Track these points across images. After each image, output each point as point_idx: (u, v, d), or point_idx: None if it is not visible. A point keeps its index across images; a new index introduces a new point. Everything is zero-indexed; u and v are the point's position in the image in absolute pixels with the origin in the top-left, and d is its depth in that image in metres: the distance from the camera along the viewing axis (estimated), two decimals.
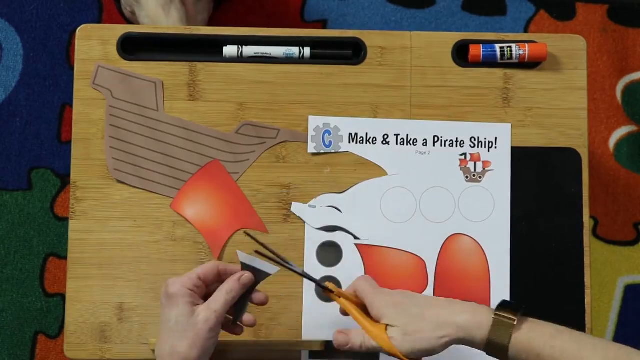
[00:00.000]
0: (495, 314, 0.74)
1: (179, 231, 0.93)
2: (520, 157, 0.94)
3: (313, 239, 0.92)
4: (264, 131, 0.94)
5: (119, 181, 0.93)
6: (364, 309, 0.79)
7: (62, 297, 1.37)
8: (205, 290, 0.79)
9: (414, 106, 0.95)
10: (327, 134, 0.93)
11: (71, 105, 0.94)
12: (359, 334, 0.77)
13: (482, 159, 0.93)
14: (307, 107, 0.94)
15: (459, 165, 0.93)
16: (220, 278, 0.79)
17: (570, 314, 0.92)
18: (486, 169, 0.93)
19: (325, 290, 0.80)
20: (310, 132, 0.93)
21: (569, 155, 0.94)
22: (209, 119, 0.94)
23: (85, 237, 0.92)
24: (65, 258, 0.95)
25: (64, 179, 1.40)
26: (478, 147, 0.93)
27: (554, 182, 0.94)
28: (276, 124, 0.94)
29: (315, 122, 0.93)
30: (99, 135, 0.93)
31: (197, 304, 0.77)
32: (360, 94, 0.95)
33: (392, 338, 0.75)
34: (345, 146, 0.93)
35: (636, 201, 1.44)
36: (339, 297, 0.79)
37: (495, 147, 0.93)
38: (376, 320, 0.77)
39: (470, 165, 0.93)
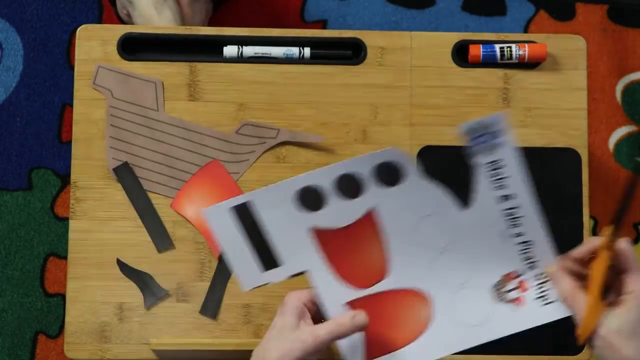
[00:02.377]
0: None
1: (179, 231, 0.93)
2: (520, 157, 0.94)
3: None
4: (264, 131, 0.94)
5: (119, 181, 0.93)
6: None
7: (62, 297, 1.37)
8: (316, 310, 0.78)
9: (414, 106, 0.95)
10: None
11: (71, 105, 0.94)
12: (582, 302, 0.72)
13: None
14: (307, 107, 0.95)
15: None
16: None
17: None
18: None
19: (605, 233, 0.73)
20: None
21: (569, 155, 0.94)
22: (209, 119, 0.94)
23: (85, 237, 0.92)
24: (66, 258, 0.95)
25: (64, 179, 1.40)
26: None
27: (554, 182, 0.94)
28: (276, 124, 0.94)
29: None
30: (99, 135, 0.93)
31: (306, 322, 0.76)
32: (360, 94, 0.95)
33: (606, 323, 0.70)
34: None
35: (636, 201, 1.44)
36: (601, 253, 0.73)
37: None
38: (616, 293, 0.71)
39: None
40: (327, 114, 0.94)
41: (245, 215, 0.78)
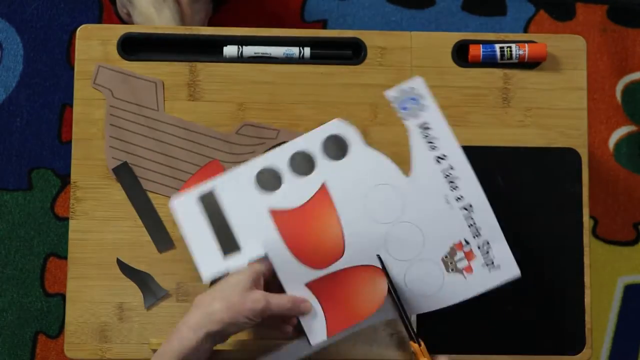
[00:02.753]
0: None
1: (179, 231, 0.93)
2: (520, 157, 0.94)
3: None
4: (264, 132, 0.94)
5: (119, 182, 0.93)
6: None
7: (62, 297, 1.37)
8: (263, 285, 0.80)
9: None
10: None
11: (71, 105, 0.94)
12: None
13: None
14: (307, 107, 0.95)
15: None
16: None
17: (570, 314, 0.92)
18: None
19: (415, 345, 0.81)
20: None
21: (568, 155, 0.94)
22: (209, 119, 0.94)
23: (85, 237, 0.92)
24: (66, 258, 0.95)
25: (64, 179, 1.40)
26: None
27: (554, 182, 0.94)
28: (276, 124, 0.94)
29: None
30: (99, 135, 0.93)
31: (258, 289, 0.78)
32: (360, 94, 0.95)
33: None
34: None
35: (636, 201, 1.44)
36: (423, 358, 0.81)
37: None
38: None
39: None
40: (327, 114, 0.94)
41: (210, 203, 0.81)
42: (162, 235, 0.93)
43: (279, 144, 0.82)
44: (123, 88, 0.94)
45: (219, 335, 0.77)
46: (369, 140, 0.94)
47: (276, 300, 0.78)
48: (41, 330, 1.38)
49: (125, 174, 0.93)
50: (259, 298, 0.77)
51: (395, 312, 0.82)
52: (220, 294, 0.77)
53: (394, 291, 0.81)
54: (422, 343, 0.81)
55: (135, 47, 0.95)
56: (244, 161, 0.93)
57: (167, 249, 0.92)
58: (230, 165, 0.93)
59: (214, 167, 0.93)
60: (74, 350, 0.91)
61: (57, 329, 1.38)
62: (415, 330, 0.82)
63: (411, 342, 0.81)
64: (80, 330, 0.91)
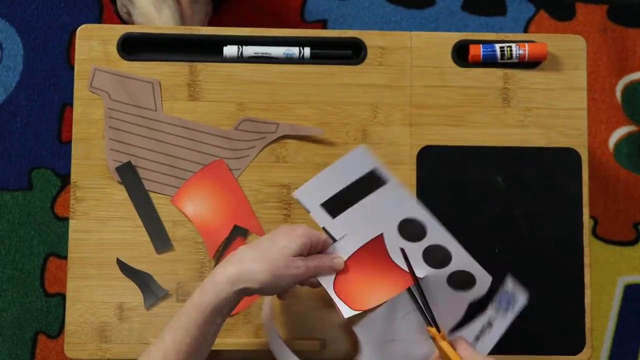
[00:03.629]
0: None
1: (179, 231, 0.93)
2: (520, 157, 0.94)
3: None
4: (263, 126, 0.94)
5: (119, 182, 0.93)
6: None
7: (62, 296, 1.37)
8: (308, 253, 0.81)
9: (413, 106, 0.95)
10: None
11: (71, 105, 0.94)
12: None
13: None
14: (307, 107, 0.95)
15: None
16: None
17: (570, 314, 0.92)
18: None
19: (433, 329, 0.80)
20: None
21: (568, 155, 0.94)
22: (209, 119, 0.94)
23: (85, 237, 0.92)
24: (66, 258, 0.95)
25: (64, 179, 1.40)
26: None
27: (554, 182, 0.94)
28: None
29: None
30: (99, 135, 0.93)
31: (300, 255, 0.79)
32: (360, 94, 0.95)
33: None
34: None
35: (636, 201, 1.44)
36: (443, 342, 0.80)
37: None
38: None
39: None
40: (327, 114, 0.94)
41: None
42: (161, 236, 0.93)
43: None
44: (120, 90, 0.94)
45: (253, 292, 0.77)
46: (369, 140, 0.94)
47: (313, 263, 0.79)
48: (41, 330, 1.38)
49: (128, 174, 0.93)
50: (300, 264, 0.77)
51: (412, 298, 0.83)
52: (264, 254, 0.77)
53: (413, 275, 0.82)
54: (442, 328, 0.81)
55: (135, 47, 0.95)
56: (245, 157, 0.93)
57: (165, 251, 0.92)
58: (231, 161, 0.93)
59: (217, 166, 0.93)
60: (74, 350, 0.91)
61: (57, 329, 1.38)
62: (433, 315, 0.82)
63: (428, 328, 0.81)
64: (80, 330, 0.91)
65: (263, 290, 0.76)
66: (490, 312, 0.85)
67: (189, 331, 0.74)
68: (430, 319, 0.81)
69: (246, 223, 0.93)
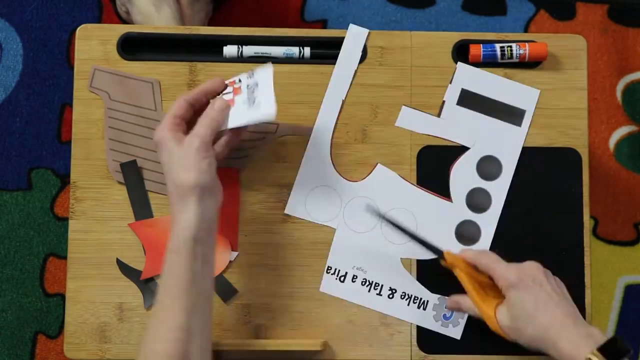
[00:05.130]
0: (593, 355, 0.76)
1: None
2: (521, 157, 0.94)
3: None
4: (263, 126, 0.94)
5: (119, 182, 0.93)
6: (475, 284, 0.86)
7: (62, 297, 1.37)
8: (185, 126, 0.83)
9: (414, 106, 0.95)
10: None
11: (71, 105, 0.94)
12: (470, 303, 0.85)
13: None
14: (307, 107, 0.94)
15: None
16: (195, 109, 0.84)
17: None
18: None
19: (441, 257, 0.83)
20: None
21: (569, 155, 0.94)
22: None
23: (85, 237, 0.92)
24: (65, 258, 0.95)
25: (64, 179, 1.40)
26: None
27: (554, 182, 0.94)
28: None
29: None
30: (99, 135, 0.93)
31: (184, 135, 0.81)
32: (360, 94, 0.95)
33: (499, 321, 0.83)
34: None
35: (636, 201, 1.44)
36: (455, 268, 0.85)
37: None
38: (496, 292, 0.84)
39: None
40: None
41: None
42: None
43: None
44: (120, 90, 0.94)
45: (207, 196, 0.79)
46: (369, 140, 0.94)
47: (198, 128, 0.81)
48: (41, 330, 1.38)
49: (131, 172, 0.92)
50: (190, 139, 0.80)
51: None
52: (172, 170, 0.79)
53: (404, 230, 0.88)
54: (449, 252, 0.87)
55: (135, 47, 0.95)
56: (245, 157, 0.93)
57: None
58: (232, 161, 0.93)
59: (230, 174, 0.92)
60: (74, 351, 0.91)
61: (56, 329, 1.38)
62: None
63: (442, 261, 0.87)
64: (79, 330, 0.91)
65: (209, 184, 0.79)
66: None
67: (178, 276, 0.76)
68: (434, 250, 0.87)
69: (227, 235, 0.92)
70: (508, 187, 0.93)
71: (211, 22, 1.31)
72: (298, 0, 1.47)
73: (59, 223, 1.39)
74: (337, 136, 0.94)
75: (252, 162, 0.94)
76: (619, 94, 1.46)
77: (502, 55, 0.94)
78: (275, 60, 0.95)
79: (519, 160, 0.94)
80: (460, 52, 0.96)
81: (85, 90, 0.94)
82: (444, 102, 0.93)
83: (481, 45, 0.95)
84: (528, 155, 0.94)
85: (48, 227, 1.39)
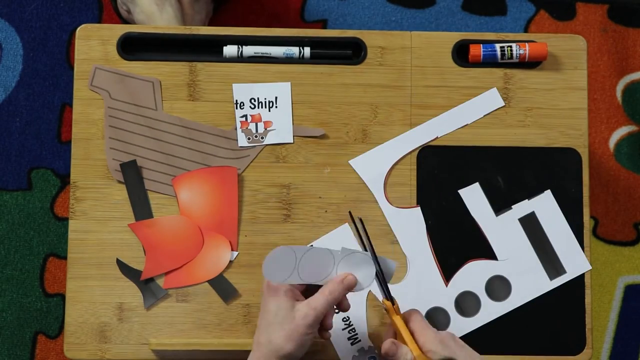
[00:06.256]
0: None
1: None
2: (521, 157, 0.94)
3: None
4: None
5: (119, 181, 0.93)
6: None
7: (62, 297, 1.37)
8: (305, 286, 0.80)
9: (414, 106, 0.95)
10: None
11: (71, 105, 0.94)
12: (408, 352, 0.77)
13: (262, 120, 0.93)
14: (307, 107, 0.94)
15: (241, 128, 0.93)
16: None
17: (570, 314, 0.92)
18: (267, 129, 0.93)
19: (388, 302, 0.80)
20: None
21: (569, 155, 0.94)
22: (208, 119, 0.94)
23: (85, 237, 0.92)
24: (65, 258, 0.95)
25: (64, 179, 1.40)
26: (258, 107, 0.93)
27: (554, 182, 0.94)
28: None
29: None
30: (99, 135, 0.93)
31: (298, 300, 0.78)
32: (360, 94, 0.95)
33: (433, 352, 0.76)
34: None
35: (636, 201, 1.44)
36: (395, 315, 0.80)
37: (276, 107, 0.92)
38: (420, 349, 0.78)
39: (252, 126, 0.93)
40: (327, 114, 0.94)
41: None
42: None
43: None
44: (120, 89, 0.94)
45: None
46: (369, 140, 0.94)
47: (320, 302, 0.77)
48: (41, 330, 1.38)
49: (131, 172, 0.93)
50: (306, 311, 0.77)
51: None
52: (274, 327, 0.77)
53: (371, 249, 0.81)
54: (396, 301, 0.80)
55: (135, 47, 0.95)
56: (245, 157, 0.93)
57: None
58: (232, 161, 0.93)
59: (228, 172, 0.93)
60: (74, 351, 0.91)
61: (56, 329, 1.38)
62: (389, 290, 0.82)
63: (384, 300, 0.81)
64: (80, 330, 0.91)
65: (294, 355, 0.77)
66: None
67: None
68: (386, 292, 0.81)
69: (227, 234, 0.92)
70: None
71: (211, 22, 1.31)
72: (298, 0, 1.47)
73: (59, 223, 1.39)
74: (337, 136, 0.94)
75: (251, 162, 0.94)
76: (619, 94, 1.46)
77: (502, 55, 0.94)
78: (275, 60, 0.95)
79: (518, 161, 0.94)
80: (460, 52, 0.96)
81: (85, 90, 0.94)
82: None
83: (481, 45, 0.95)
84: (528, 155, 0.94)
85: (48, 227, 1.39)
